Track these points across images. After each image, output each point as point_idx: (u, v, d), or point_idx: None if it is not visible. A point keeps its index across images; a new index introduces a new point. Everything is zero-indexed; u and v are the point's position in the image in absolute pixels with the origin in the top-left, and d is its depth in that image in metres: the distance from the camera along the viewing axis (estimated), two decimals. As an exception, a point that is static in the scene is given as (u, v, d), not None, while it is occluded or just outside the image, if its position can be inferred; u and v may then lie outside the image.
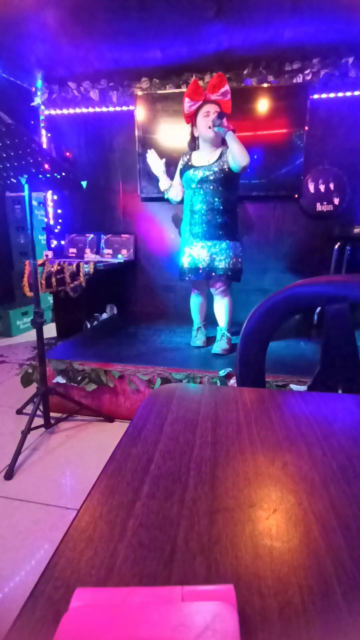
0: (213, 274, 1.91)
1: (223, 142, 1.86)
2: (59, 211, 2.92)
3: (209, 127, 1.80)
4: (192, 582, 0.24)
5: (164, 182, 2.00)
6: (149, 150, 2.00)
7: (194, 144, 1.98)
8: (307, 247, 2.64)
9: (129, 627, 0.20)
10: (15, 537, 1.11)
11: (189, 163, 1.92)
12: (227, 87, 1.82)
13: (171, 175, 2.04)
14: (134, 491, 0.32)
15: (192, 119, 1.91)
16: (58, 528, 1.15)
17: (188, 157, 1.96)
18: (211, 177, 1.82)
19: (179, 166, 1.99)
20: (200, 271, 1.93)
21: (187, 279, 2.00)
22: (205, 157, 1.89)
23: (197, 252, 1.92)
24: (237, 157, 1.74)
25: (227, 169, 1.81)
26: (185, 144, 2.03)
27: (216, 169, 1.82)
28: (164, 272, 2.88)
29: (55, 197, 2.89)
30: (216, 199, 1.85)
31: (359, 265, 2.35)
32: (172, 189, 2.02)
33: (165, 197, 2.08)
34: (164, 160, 1.97)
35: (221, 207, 1.86)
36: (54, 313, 2.82)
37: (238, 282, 1.99)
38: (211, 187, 1.84)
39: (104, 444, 1.61)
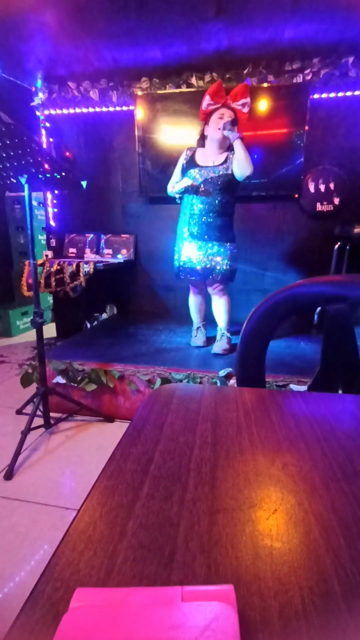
0: (211, 275, 1.91)
1: (229, 149, 1.87)
2: (57, 210, 2.91)
3: (219, 129, 1.80)
4: (192, 582, 0.24)
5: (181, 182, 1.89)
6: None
7: (202, 141, 1.97)
8: (307, 247, 2.64)
9: (129, 627, 0.20)
10: (15, 537, 1.11)
11: (193, 160, 1.91)
12: (248, 100, 1.83)
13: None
14: (134, 491, 0.32)
15: (206, 117, 1.89)
16: (58, 528, 1.15)
17: (192, 153, 1.94)
18: (215, 179, 1.82)
19: (182, 160, 1.96)
20: (198, 271, 1.93)
21: (182, 277, 2.00)
22: (210, 157, 1.89)
23: (193, 252, 1.92)
24: (242, 164, 1.76)
25: (231, 174, 1.82)
26: (185, 143, 2.02)
27: (221, 172, 1.82)
28: (164, 272, 2.87)
29: (55, 198, 2.89)
30: (217, 201, 1.85)
31: (359, 265, 2.35)
32: (177, 185, 1.92)
33: (171, 194, 1.99)
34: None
35: (221, 209, 1.86)
36: (54, 313, 2.82)
37: (232, 282, 1.98)
38: (213, 189, 1.84)
39: (104, 444, 1.61)
